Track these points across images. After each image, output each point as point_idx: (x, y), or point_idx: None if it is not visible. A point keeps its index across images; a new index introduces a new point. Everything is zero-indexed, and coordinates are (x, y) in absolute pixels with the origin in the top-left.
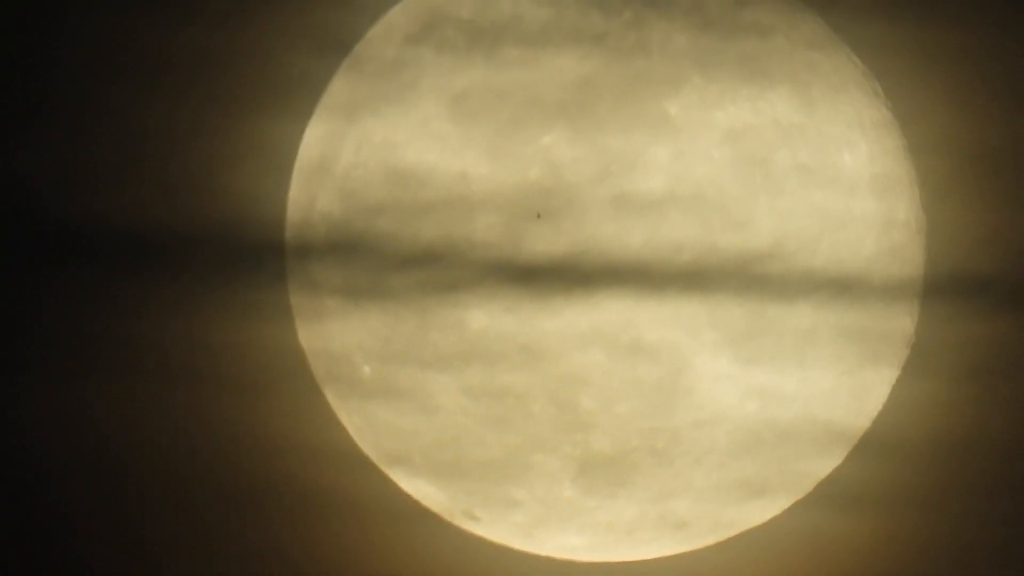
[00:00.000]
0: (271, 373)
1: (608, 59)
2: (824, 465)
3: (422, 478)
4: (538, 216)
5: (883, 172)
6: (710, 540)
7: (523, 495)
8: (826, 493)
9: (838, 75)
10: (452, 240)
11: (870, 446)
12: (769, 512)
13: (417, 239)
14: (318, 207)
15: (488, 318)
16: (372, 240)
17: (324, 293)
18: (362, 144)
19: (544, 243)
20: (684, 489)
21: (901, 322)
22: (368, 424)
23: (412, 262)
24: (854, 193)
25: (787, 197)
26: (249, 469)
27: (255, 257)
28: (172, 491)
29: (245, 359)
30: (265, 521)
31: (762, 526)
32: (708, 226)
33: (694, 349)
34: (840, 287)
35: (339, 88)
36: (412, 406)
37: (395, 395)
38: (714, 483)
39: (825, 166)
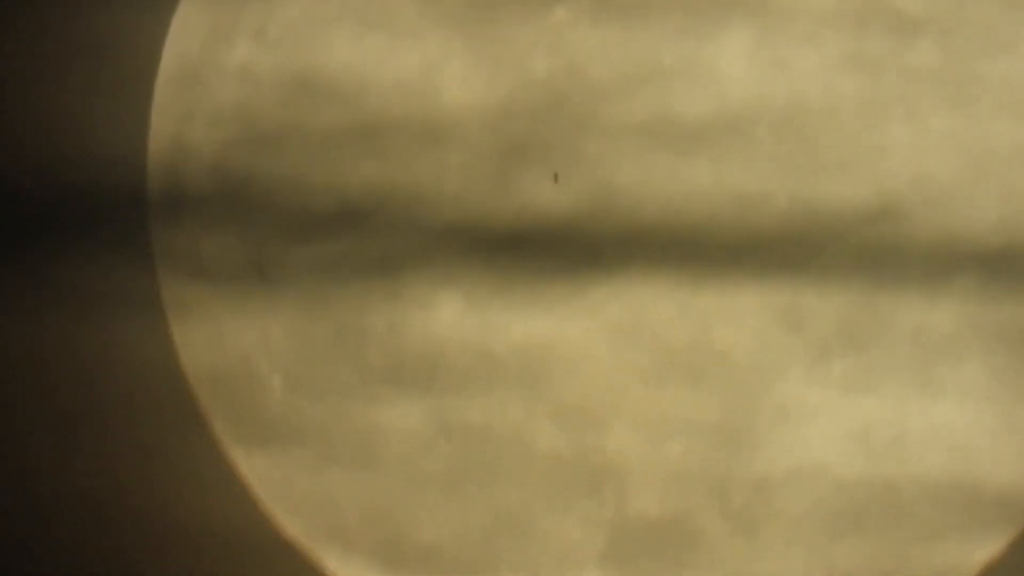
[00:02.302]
0: (134, 395)
1: None
2: (976, 551)
3: (361, 560)
4: (555, 177)
5: None
6: None
7: None
8: None
9: None
10: (395, 192)
11: None
12: None
13: (339, 190)
14: (187, 143)
15: (457, 313)
16: (265, 193)
17: (200, 276)
18: (252, 37)
19: (540, 196)
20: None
21: None
22: (279, 477)
23: (330, 226)
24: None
25: (915, 123)
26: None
27: (109, 225)
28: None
29: (91, 372)
30: None
31: None
32: (792, 169)
33: (769, 362)
34: (1002, 267)
35: None
36: (341, 450)
37: (315, 434)
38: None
39: (980, 75)
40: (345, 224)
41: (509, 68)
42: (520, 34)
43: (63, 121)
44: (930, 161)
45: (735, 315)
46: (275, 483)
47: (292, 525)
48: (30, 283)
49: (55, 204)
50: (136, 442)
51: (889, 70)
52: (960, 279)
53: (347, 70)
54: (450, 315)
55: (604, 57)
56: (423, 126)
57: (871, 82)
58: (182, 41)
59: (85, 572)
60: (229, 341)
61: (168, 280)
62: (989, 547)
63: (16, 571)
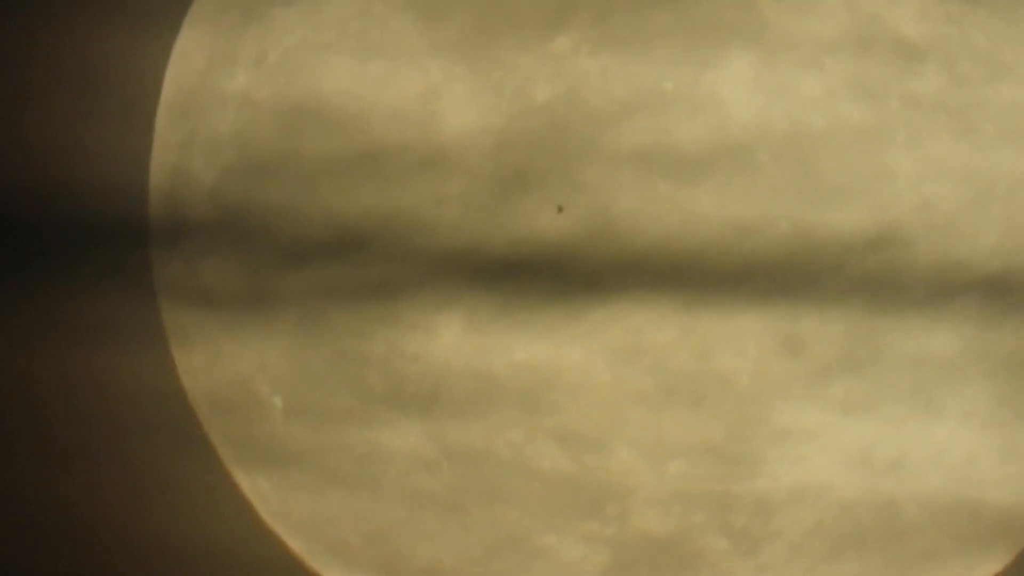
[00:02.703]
0: (134, 419)
1: None
2: (976, 571)
3: (357, 565)
4: (559, 209)
5: None
6: None
7: None
8: None
9: None
10: (393, 218)
11: None
12: None
13: (336, 217)
14: (188, 170)
15: (457, 336)
16: (263, 220)
17: (200, 302)
18: (252, 64)
19: (537, 223)
20: None
21: None
22: (281, 496)
23: (329, 252)
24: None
25: (918, 149)
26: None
27: (111, 251)
28: None
29: (90, 397)
30: None
31: None
32: (793, 195)
33: (769, 385)
34: (1000, 293)
35: None
36: (345, 470)
37: (318, 455)
38: None
39: (983, 102)
40: (343, 250)
41: (509, 95)
42: (521, 62)
43: (63, 148)
44: (931, 188)
45: (736, 340)
46: (277, 503)
47: (294, 544)
48: (29, 309)
49: (54, 231)
50: (138, 465)
51: (891, 96)
52: (960, 305)
53: (346, 96)
54: (450, 339)
55: (604, 84)
56: (422, 153)
57: (873, 109)
58: (183, 68)
59: None
60: (229, 365)
61: (168, 306)
62: (989, 567)
63: (19, 560)
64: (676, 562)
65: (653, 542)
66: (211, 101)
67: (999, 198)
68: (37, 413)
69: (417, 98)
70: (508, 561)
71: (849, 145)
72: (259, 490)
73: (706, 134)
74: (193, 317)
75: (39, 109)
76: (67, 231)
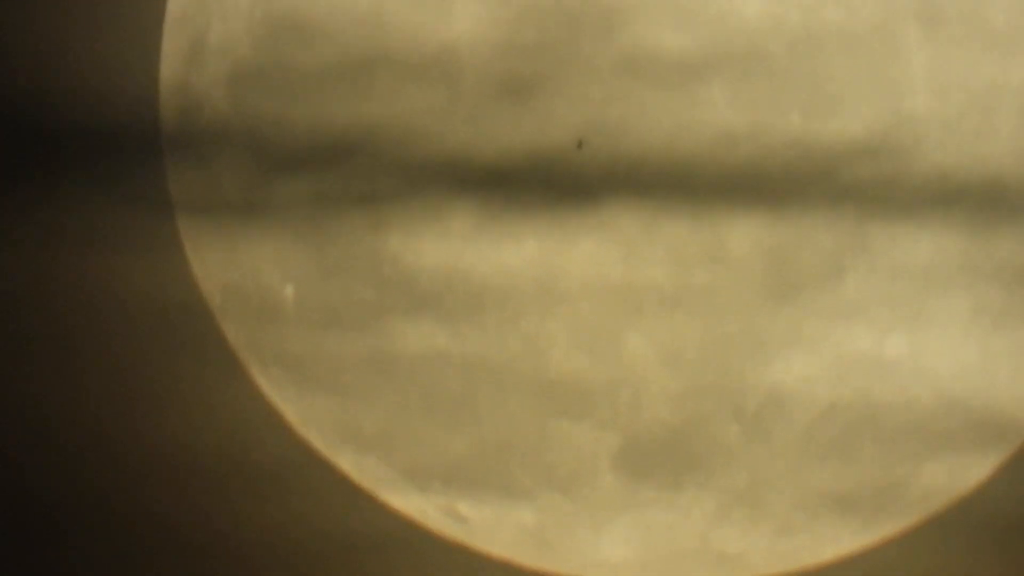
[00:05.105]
0: (149, 319)
1: None
2: (961, 475)
3: (374, 457)
4: (579, 145)
5: None
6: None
7: (535, 484)
8: (963, 521)
9: None
10: (377, 127)
11: None
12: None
13: (322, 126)
14: (195, 84)
15: (461, 239)
16: (264, 127)
17: (215, 210)
18: None
19: (526, 130)
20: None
21: None
22: (297, 383)
23: (315, 160)
24: (1015, 52)
25: (904, 59)
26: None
27: (122, 162)
28: None
29: (105, 295)
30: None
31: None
32: (778, 104)
33: (751, 295)
34: (986, 202)
35: None
36: (362, 357)
37: (339, 343)
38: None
39: (974, 12)
40: (327, 162)
41: (495, 4)
42: None
43: (73, 59)
44: (928, 97)
45: (714, 251)
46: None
47: (308, 433)
48: (43, 216)
49: (66, 139)
50: (156, 366)
51: (875, 2)
52: (947, 215)
53: (333, 7)
54: (455, 241)
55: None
56: (410, 61)
57: (857, 16)
58: None
59: (103, 492)
60: (242, 260)
61: (185, 220)
62: (973, 471)
63: (25, 493)
64: (687, 447)
65: (665, 428)
66: (214, 13)
67: (998, 108)
68: (51, 314)
69: (401, 8)
70: (520, 449)
71: (836, 55)
72: (274, 383)
73: (692, 42)
74: (203, 220)
75: (51, 23)
76: (78, 139)
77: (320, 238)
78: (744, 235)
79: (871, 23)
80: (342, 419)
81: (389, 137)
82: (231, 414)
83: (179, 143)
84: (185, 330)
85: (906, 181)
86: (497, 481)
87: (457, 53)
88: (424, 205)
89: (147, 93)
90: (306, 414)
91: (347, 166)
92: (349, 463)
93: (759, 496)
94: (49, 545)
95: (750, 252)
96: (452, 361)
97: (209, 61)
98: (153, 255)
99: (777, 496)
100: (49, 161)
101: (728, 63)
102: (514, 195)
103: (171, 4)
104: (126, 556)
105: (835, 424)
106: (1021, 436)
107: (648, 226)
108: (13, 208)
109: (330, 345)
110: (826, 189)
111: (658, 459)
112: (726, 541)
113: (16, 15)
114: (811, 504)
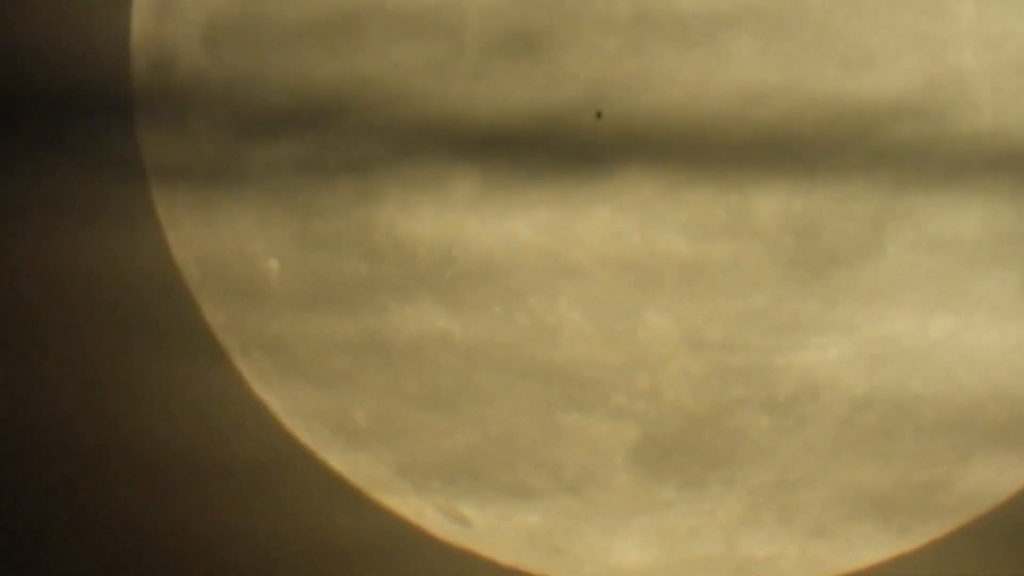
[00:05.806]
0: (128, 305)
1: None
2: (1010, 473)
3: (366, 452)
4: (598, 115)
5: None
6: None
7: (542, 482)
8: (1012, 525)
9: None
10: (369, 84)
11: None
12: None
13: (308, 83)
14: (168, 37)
15: (464, 207)
16: (230, 88)
17: (191, 176)
18: None
19: (534, 88)
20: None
21: None
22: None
23: (300, 121)
24: None
25: (949, 8)
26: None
27: (88, 124)
28: None
29: (78, 270)
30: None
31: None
32: (811, 59)
33: (780, 269)
34: None
35: None
36: (352, 340)
37: (327, 324)
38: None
39: None
40: (307, 124)
41: None
42: None
43: (33, 11)
44: (956, 56)
45: (736, 218)
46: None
47: (292, 425)
48: (15, 184)
49: (25, 99)
50: (127, 349)
51: None
52: (996, 181)
53: None
54: (455, 211)
55: None
56: (403, 13)
57: None
58: None
59: (70, 488)
60: (220, 231)
61: (158, 189)
62: (1018, 472)
63: (9, 478)
64: (711, 441)
65: (687, 417)
66: None
67: None
68: (10, 293)
69: None
70: (526, 440)
71: (868, 8)
72: (256, 369)
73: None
74: (179, 188)
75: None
76: (38, 99)
77: (306, 207)
78: (773, 203)
79: None
80: (331, 409)
81: (382, 96)
82: (209, 404)
83: (151, 102)
84: (159, 309)
85: (951, 143)
86: (501, 479)
87: (459, 1)
88: (421, 171)
89: (116, 47)
90: (291, 404)
91: (336, 127)
92: (339, 459)
93: (790, 496)
94: (16, 547)
95: (779, 222)
96: (452, 344)
97: (184, 10)
98: (123, 226)
99: (810, 495)
100: (6, 123)
101: (756, 14)
102: (520, 160)
103: None
104: (98, 558)
105: (872, 416)
106: None
107: (668, 193)
108: None
109: (317, 326)
110: (863, 152)
111: (679, 454)
112: (753, 546)
113: None
114: (846, 504)
